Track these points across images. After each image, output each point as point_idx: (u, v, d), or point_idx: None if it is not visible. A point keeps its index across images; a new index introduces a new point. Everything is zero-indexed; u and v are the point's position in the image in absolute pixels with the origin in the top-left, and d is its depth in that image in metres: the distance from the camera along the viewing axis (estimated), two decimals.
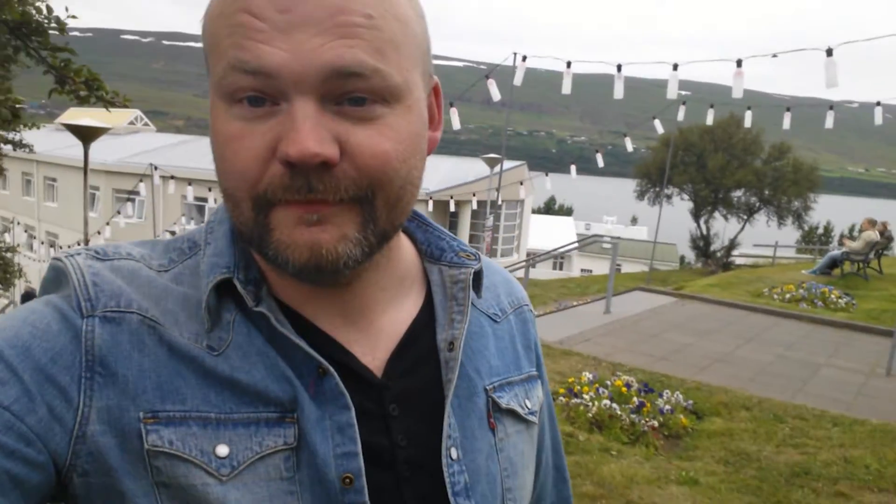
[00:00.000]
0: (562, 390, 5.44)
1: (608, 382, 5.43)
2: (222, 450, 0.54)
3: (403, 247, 0.68)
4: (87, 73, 4.76)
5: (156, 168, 10.81)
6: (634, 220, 66.88)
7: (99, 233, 12.33)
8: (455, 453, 0.62)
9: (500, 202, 12.13)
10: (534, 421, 0.73)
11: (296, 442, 0.56)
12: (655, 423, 4.78)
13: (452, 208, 15.79)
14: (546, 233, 38.99)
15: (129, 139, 28.28)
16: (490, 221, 14.27)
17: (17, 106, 4.89)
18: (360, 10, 0.51)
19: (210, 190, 11.71)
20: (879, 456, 4.44)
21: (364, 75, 0.51)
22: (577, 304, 11.49)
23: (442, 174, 25.53)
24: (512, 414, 0.69)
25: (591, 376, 5.58)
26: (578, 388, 5.32)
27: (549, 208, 67.14)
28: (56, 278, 0.59)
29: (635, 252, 35.44)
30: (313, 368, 0.58)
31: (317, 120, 0.51)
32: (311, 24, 0.50)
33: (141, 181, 11.76)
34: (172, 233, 18.55)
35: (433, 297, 0.68)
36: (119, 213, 14.49)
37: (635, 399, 5.07)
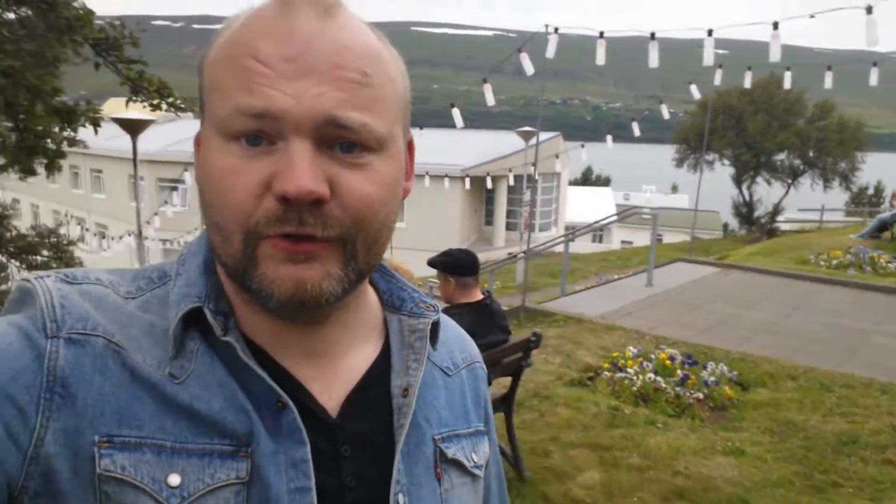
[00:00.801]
0: (605, 364, 5.52)
1: (652, 356, 5.49)
2: (174, 479, 0.55)
3: (368, 293, 0.71)
4: (157, 81, 5.07)
5: None
6: (675, 189, 65.57)
7: (148, 223, 12.73)
8: (402, 499, 0.64)
9: (536, 176, 12.09)
10: (479, 475, 0.75)
11: (247, 477, 0.57)
12: (700, 395, 4.83)
13: (489, 185, 15.78)
14: (584, 205, 38.59)
15: (168, 127, 28.89)
16: (527, 196, 14.24)
17: (97, 116, 5.16)
18: (357, 67, 0.56)
19: None
20: None
21: (353, 128, 0.56)
22: (618, 278, 11.47)
23: (477, 150, 25.43)
24: (458, 465, 0.71)
25: (635, 350, 5.64)
26: (623, 362, 5.39)
27: (587, 179, 66.22)
28: (21, 299, 0.60)
29: (676, 221, 34.84)
30: (272, 402, 0.59)
31: (312, 161, 0.55)
32: (313, 74, 0.54)
33: (185, 170, 12.08)
34: None
35: (391, 344, 0.70)
36: (166, 202, 14.89)
37: (679, 372, 5.12)
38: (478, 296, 3.25)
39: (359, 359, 0.68)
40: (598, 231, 35.94)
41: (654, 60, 6.64)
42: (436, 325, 0.72)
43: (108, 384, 0.56)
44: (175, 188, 17.82)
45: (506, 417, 3.71)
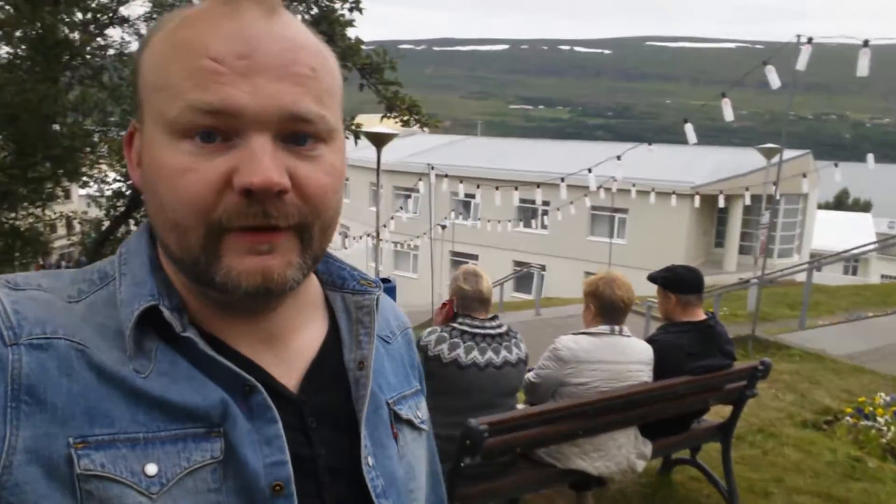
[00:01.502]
0: (848, 409, 4.90)
1: None
2: (151, 468, 0.56)
3: (310, 275, 0.72)
4: (409, 100, 5.74)
5: (432, 168, 11.92)
6: None
7: (385, 226, 13.95)
8: (371, 460, 0.69)
9: (777, 197, 11.08)
10: (425, 429, 0.81)
11: (222, 455, 0.59)
12: None
13: (721, 204, 14.75)
14: (835, 231, 34.21)
15: (405, 141, 31.29)
16: (766, 218, 13.06)
17: (359, 130, 5.96)
18: (307, 63, 0.60)
19: (478, 187, 12.52)
20: None
21: (312, 121, 0.59)
22: (874, 316, 10.05)
23: (710, 167, 23.85)
24: (409, 424, 0.78)
25: (887, 398, 4.94)
26: (870, 409, 4.75)
27: (841, 203, 58.73)
28: None
29: None
30: (240, 387, 0.61)
31: (273, 154, 0.57)
32: (266, 71, 0.57)
33: (420, 180, 13.05)
34: (443, 227, 20.12)
35: (338, 321, 0.74)
36: (401, 209, 16.17)
37: None
38: (700, 315, 3.11)
39: (310, 338, 0.71)
40: (851, 261, 31.69)
41: None
42: (378, 301, 0.76)
43: (75, 386, 0.57)
44: (409, 196, 19.26)
45: (723, 448, 3.49)
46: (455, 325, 2.71)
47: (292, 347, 0.69)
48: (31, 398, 0.55)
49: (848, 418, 4.75)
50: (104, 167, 10.10)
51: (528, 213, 23.36)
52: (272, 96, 0.57)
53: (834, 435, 4.61)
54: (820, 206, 36.56)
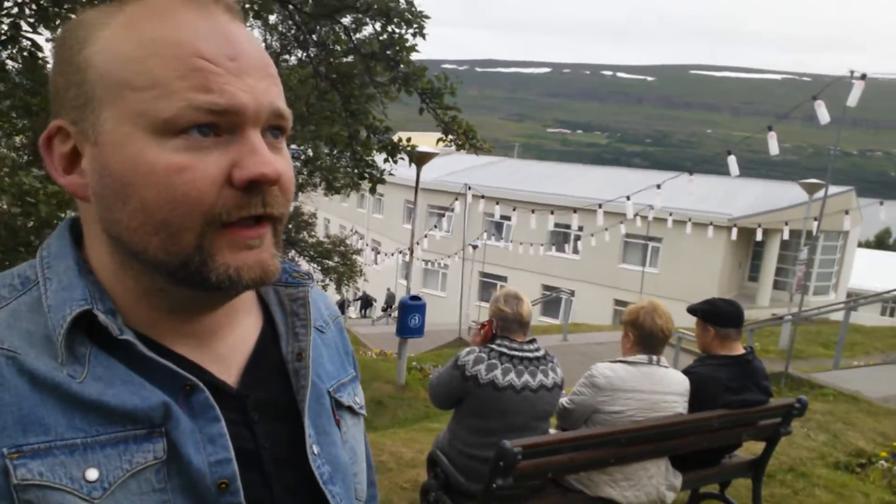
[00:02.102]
0: (884, 453, 4.82)
1: None
2: (92, 473, 0.56)
3: None
4: (465, 125, 5.94)
5: (469, 188, 12.03)
6: None
7: (418, 243, 14.09)
8: (316, 449, 0.70)
9: (816, 233, 10.90)
10: (364, 414, 0.84)
11: (165, 455, 0.59)
12: None
13: (759, 237, 14.57)
14: (875, 271, 33.37)
15: (444, 160, 31.51)
16: (804, 254, 12.87)
17: (412, 152, 6.13)
18: (271, 65, 0.63)
19: (514, 209, 12.58)
20: None
21: (286, 117, 0.63)
22: None
23: (749, 199, 23.57)
24: (349, 410, 0.80)
25: None
26: None
27: (882, 242, 57.26)
28: None
29: None
30: (180, 387, 0.61)
31: (267, 148, 0.60)
32: (251, 71, 0.59)
33: (456, 199, 13.18)
34: (475, 247, 20.19)
35: (273, 314, 0.75)
36: (436, 227, 16.31)
37: None
38: (738, 350, 3.12)
39: (245, 332, 0.71)
40: (890, 303, 30.82)
41: None
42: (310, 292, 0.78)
43: (6, 395, 0.56)
44: (443, 215, 19.41)
45: (753, 485, 3.47)
46: (493, 346, 2.77)
47: (228, 343, 0.69)
48: None
49: (882, 462, 4.66)
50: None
51: (560, 238, 23.32)
52: (264, 94, 0.60)
53: (867, 478, 4.52)
54: (860, 245, 35.74)
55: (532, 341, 2.84)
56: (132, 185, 0.57)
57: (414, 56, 5.84)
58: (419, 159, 9.80)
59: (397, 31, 5.76)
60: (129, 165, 0.57)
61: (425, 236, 15.65)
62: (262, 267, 0.61)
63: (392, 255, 19.25)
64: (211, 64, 0.57)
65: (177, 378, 0.61)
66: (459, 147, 6.28)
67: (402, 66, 5.76)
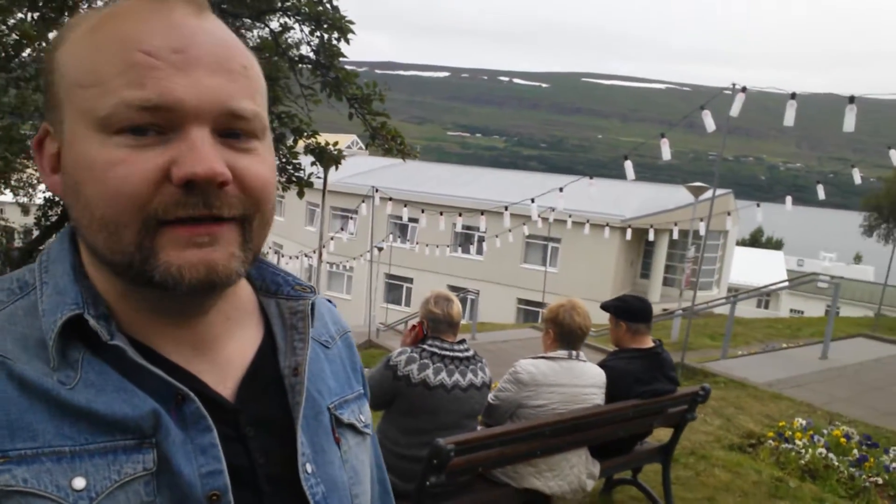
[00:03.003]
0: (770, 433, 5.26)
1: (824, 431, 5.15)
2: (79, 482, 0.54)
3: (242, 281, 0.71)
4: (393, 130, 5.95)
5: (377, 190, 12.01)
6: (858, 259, 59.57)
7: (324, 246, 13.91)
8: (310, 468, 0.68)
9: (702, 233, 11.70)
10: (368, 432, 0.81)
11: (155, 466, 0.57)
12: (880, 480, 4.46)
13: (651, 237, 15.46)
14: (751, 267, 36.22)
15: (345, 162, 31.16)
16: (692, 252, 13.78)
17: (341, 157, 6.05)
18: (238, 60, 0.60)
19: (423, 212, 12.68)
20: None
21: (248, 118, 0.59)
22: (787, 347, 10.72)
23: (640, 201, 24.92)
24: (352, 428, 0.76)
25: (804, 422, 5.32)
26: (790, 433, 5.11)
27: (755, 240, 62.06)
28: None
29: (858, 294, 31.59)
30: (171, 396, 0.59)
31: (212, 146, 0.57)
32: (202, 65, 0.56)
33: (363, 201, 13.12)
34: (380, 249, 20.15)
35: (273, 327, 0.73)
36: (342, 229, 16.15)
37: (856, 452, 4.76)
38: (648, 343, 3.33)
39: (243, 345, 0.69)
40: (764, 296, 33.50)
41: (849, 124, 6.31)
42: (314, 306, 0.75)
43: None
44: (349, 217, 19.24)
45: (663, 469, 3.71)
46: (425, 346, 2.81)
47: (225, 354, 0.67)
48: None
49: (770, 441, 5.09)
50: (35, 173, 9.73)
51: (464, 239, 23.70)
52: (210, 89, 0.56)
53: (758, 457, 4.93)
54: (738, 243, 38.57)
55: (461, 342, 2.91)
56: (80, 183, 0.57)
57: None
58: (327, 161, 9.73)
59: (325, 35, 5.70)
60: (77, 162, 0.57)
61: (332, 239, 15.46)
62: (207, 266, 0.57)
63: (296, 257, 18.85)
64: (150, 58, 0.55)
65: (168, 387, 0.59)
66: (387, 152, 6.29)
67: (331, 71, 5.69)
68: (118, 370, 0.59)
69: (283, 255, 19.46)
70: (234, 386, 0.66)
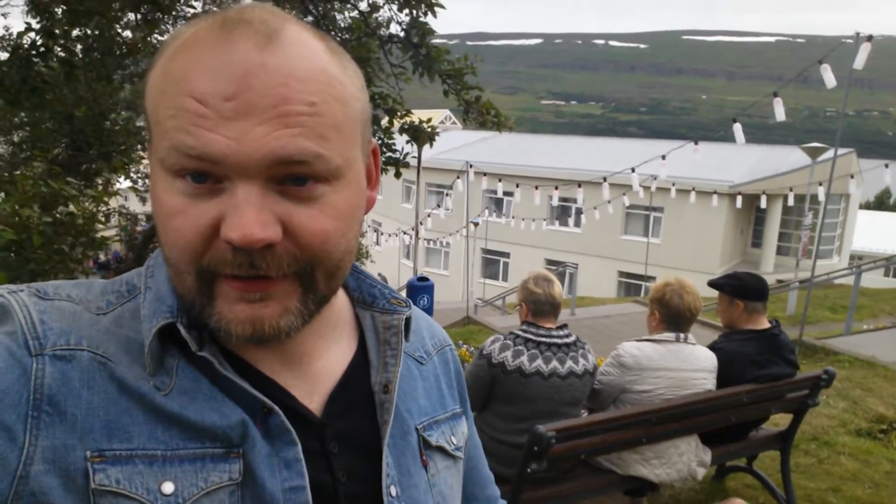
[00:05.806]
0: None
1: None
2: (168, 487, 0.55)
3: (338, 294, 0.69)
4: (487, 103, 5.93)
5: (471, 165, 11.93)
6: None
7: (421, 223, 14.02)
8: (394, 490, 0.66)
9: (822, 198, 10.84)
10: (460, 456, 0.78)
11: (241, 477, 0.58)
12: None
13: (763, 204, 14.51)
14: (877, 233, 33.38)
15: (439, 138, 31.28)
16: (809, 219, 12.82)
17: (434, 135, 6.09)
18: (303, 98, 0.53)
19: (517, 186, 12.51)
20: None
21: (307, 162, 0.53)
22: None
23: (750, 165, 23.44)
24: (441, 451, 0.74)
25: None
26: None
27: (881, 203, 57.21)
28: None
29: None
30: (257, 408, 0.60)
31: (260, 204, 0.53)
32: (255, 112, 0.51)
33: (458, 177, 13.08)
34: (476, 224, 20.11)
35: (366, 341, 0.71)
36: (438, 206, 16.23)
37: None
38: (765, 323, 3.09)
39: (335, 359, 0.69)
40: (893, 264, 30.88)
41: None
42: (408, 320, 0.73)
43: (96, 398, 0.56)
44: (445, 193, 19.32)
45: (782, 457, 3.46)
46: (519, 332, 2.73)
47: (316, 368, 0.67)
48: (52, 408, 0.54)
49: None
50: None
51: (561, 211, 23.25)
52: (258, 141, 0.52)
53: (890, 444, 4.53)
54: (861, 206, 35.69)
55: (562, 327, 2.80)
56: (156, 218, 0.58)
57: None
58: (422, 139, 9.75)
59: (414, 12, 5.67)
60: (153, 199, 0.58)
61: (428, 215, 15.57)
62: (255, 324, 0.56)
63: (395, 235, 19.17)
64: (198, 104, 0.52)
65: (254, 399, 0.60)
66: (481, 125, 6.24)
67: (422, 48, 5.66)
68: (209, 379, 0.60)
69: (381, 233, 19.80)
70: (323, 400, 0.66)
